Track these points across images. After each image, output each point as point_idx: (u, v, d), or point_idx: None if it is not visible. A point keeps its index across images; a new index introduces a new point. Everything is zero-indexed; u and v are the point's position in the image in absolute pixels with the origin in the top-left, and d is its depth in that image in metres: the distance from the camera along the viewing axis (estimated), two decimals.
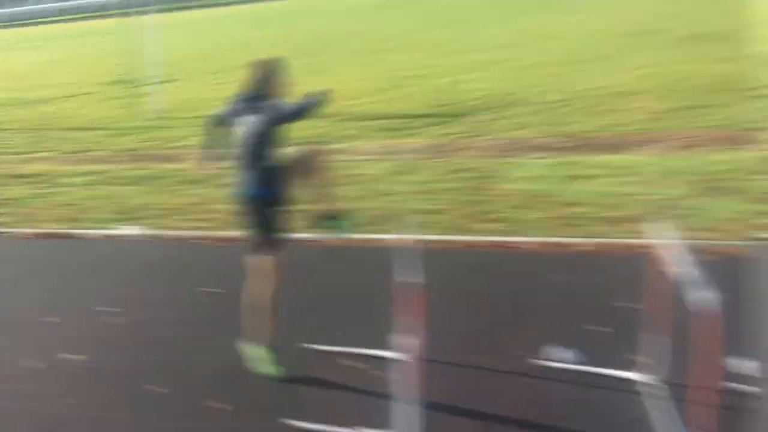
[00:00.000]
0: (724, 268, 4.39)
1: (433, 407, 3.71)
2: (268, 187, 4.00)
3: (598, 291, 5.00)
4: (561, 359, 4.15)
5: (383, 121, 10.74)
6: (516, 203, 6.93)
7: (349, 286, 5.36)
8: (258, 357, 4.23)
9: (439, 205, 6.98)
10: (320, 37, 23.40)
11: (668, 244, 3.39)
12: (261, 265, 4.10)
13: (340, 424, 3.75)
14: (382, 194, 7.33)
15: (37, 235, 7.17)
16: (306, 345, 4.53)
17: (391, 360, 4.13)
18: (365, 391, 4.03)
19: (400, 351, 3.68)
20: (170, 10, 31.68)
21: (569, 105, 10.84)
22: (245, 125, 4.03)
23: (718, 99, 10.05)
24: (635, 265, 4.29)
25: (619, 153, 8.27)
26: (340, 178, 7.64)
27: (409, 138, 9.71)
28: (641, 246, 5.03)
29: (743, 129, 8.61)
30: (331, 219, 4.40)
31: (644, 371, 3.93)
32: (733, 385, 3.72)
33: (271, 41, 22.29)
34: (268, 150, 4.00)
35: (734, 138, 8.34)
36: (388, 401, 3.81)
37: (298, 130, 4.23)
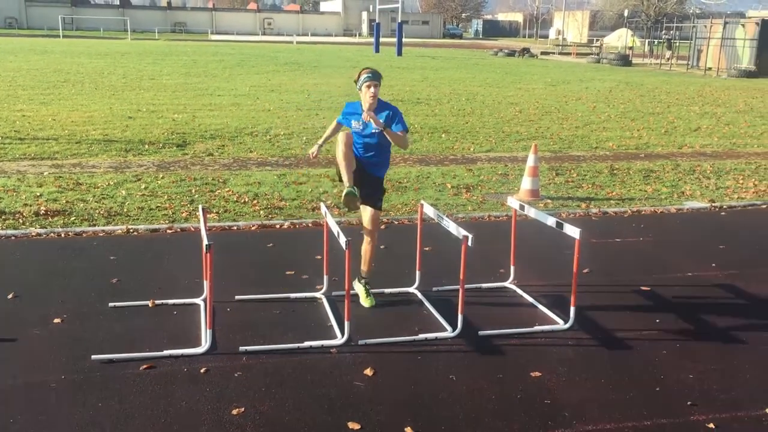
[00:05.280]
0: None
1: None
2: None
3: (294, 250, 6.47)
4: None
5: (121, 144, 11.44)
6: (239, 200, 8.17)
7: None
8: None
9: (164, 203, 7.97)
10: (79, 70, 23.73)
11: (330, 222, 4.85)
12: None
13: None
14: (107, 197, 8.13)
15: None
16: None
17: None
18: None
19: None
20: None
21: (292, 137, 12.48)
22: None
23: (416, 137, 12.49)
24: (317, 234, 6.24)
25: (326, 168, 9.96)
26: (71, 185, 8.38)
27: (144, 157, 10.54)
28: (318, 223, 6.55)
29: (425, 154, 10.91)
30: None
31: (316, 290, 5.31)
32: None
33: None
34: None
35: (418, 159, 10.54)
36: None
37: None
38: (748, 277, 6.08)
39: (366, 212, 5.21)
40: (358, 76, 5.03)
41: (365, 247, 5.26)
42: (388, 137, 4.97)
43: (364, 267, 5.31)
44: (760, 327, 5.05)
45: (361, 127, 5.07)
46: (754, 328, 5.02)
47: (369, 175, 5.17)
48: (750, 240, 7.27)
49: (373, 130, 5.02)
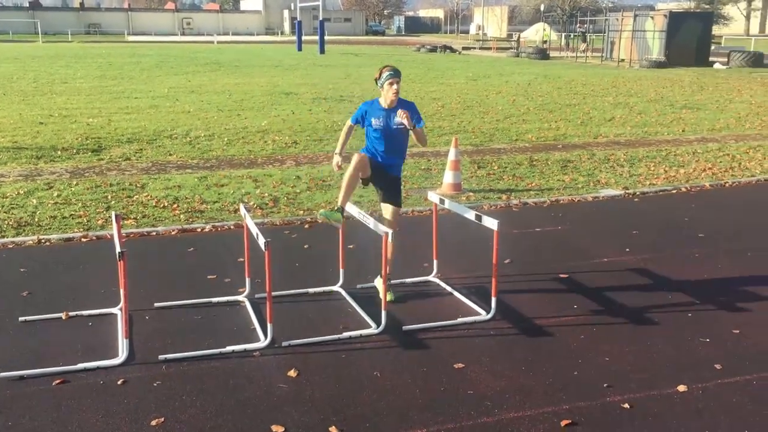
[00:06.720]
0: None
1: None
2: None
3: (216, 254, 6.39)
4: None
5: (31, 151, 10.98)
6: (158, 205, 7.96)
7: None
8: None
9: (78, 211, 7.69)
10: None
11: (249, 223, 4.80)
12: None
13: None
14: (17, 207, 7.79)
15: None
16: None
17: None
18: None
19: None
20: None
21: (213, 139, 12.26)
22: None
23: (331, 136, 12.50)
24: (239, 236, 6.00)
25: (248, 169, 9.83)
26: None
27: (56, 164, 10.15)
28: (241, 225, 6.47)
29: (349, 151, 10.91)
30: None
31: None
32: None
33: None
34: None
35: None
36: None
37: None
38: (658, 260, 6.33)
39: (387, 210, 5.19)
40: (380, 74, 5.08)
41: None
42: (414, 134, 5.04)
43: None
44: (670, 307, 5.27)
45: (382, 125, 5.07)
46: (665, 309, 5.23)
47: (388, 176, 5.19)
48: (661, 224, 7.56)
49: (398, 126, 5.03)
